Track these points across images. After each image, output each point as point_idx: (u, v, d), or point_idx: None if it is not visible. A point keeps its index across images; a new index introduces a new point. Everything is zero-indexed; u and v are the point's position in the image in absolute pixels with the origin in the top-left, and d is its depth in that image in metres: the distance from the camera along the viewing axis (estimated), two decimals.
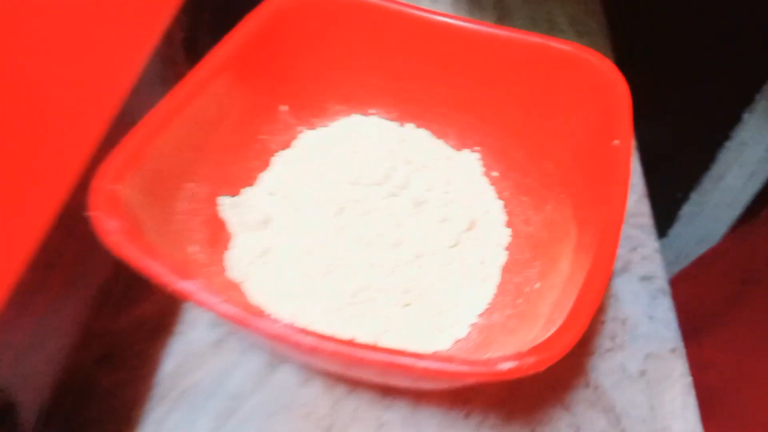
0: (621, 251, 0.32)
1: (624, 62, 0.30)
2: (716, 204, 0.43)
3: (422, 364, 0.17)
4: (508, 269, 0.28)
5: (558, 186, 0.27)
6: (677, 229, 0.46)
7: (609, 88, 0.26)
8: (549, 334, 0.18)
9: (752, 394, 0.32)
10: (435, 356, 0.17)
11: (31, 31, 0.23)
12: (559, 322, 0.18)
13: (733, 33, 0.39)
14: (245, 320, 0.18)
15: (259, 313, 0.18)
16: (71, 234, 0.22)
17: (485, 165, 0.32)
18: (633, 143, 0.25)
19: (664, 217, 0.46)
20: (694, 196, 0.44)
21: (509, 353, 0.21)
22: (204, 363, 0.28)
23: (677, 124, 0.45)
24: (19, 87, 0.21)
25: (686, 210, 0.45)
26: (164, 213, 0.23)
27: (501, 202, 0.31)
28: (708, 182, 0.43)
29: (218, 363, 0.28)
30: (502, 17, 0.47)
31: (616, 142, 0.24)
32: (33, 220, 0.20)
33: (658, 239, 0.33)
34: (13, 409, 0.20)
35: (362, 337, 0.25)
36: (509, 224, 0.30)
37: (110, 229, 0.19)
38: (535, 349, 0.17)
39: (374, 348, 0.18)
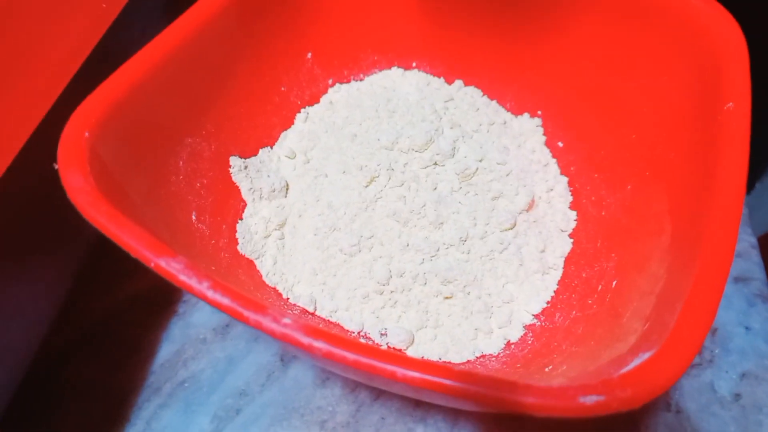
0: None
1: None
2: None
3: (474, 389, 0.13)
4: (573, 260, 0.23)
5: (642, 162, 0.22)
6: None
7: (716, 36, 0.20)
8: (645, 356, 0.13)
9: None
10: (492, 380, 0.13)
11: None
12: (657, 343, 0.13)
13: None
14: (238, 313, 0.14)
15: (257, 306, 0.14)
16: (47, 191, 0.18)
17: (548, 132, 0.27)
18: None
19: None
20: (759, 187, 0.39)
21: (581, 371, 0.16)
22: (206, 351, 0.24)
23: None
24: None
25: (747, 201, 0.39)
26: (157, 172, 0.20)
27: (566, 179, 0.25)
28: None
29: (222, 352, 0.24)
30: None
31: (730, 105, 0.19)
32: None
33: None
34: None
35: (392, 336, 0.20)
36: (575, 206, 0.25)
37: (76, 186, 0.15)
38: (629, 378, 0.13)
39: (409, 362, 0.13)
